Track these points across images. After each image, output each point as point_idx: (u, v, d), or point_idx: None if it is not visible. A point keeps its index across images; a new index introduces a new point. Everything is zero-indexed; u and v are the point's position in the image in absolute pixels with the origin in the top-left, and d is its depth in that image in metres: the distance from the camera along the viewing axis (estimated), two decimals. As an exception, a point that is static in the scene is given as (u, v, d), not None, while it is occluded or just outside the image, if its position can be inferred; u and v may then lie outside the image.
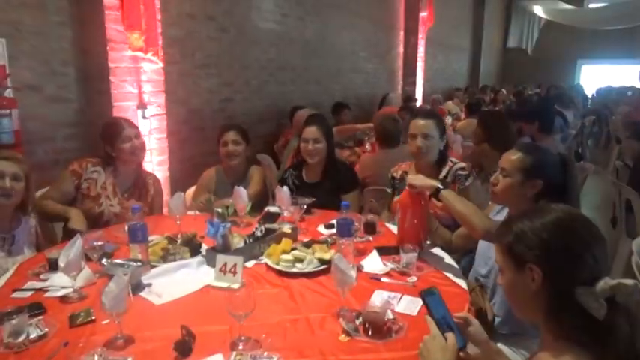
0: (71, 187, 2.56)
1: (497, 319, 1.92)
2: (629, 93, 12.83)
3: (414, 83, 9.43)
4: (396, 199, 2.66)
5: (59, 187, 2.57)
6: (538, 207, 1.17)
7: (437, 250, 2.21)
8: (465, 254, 2.47)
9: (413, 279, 1.87)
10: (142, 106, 3.61)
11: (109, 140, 2.61)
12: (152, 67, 3.65)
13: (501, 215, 2.11)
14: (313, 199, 2.67)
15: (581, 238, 1.06)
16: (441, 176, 2.61)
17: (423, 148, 2.56)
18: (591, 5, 16.70)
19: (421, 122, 2.59)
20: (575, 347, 1.01)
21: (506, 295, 1.18)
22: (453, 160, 2.73)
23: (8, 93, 2.82)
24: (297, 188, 2.91)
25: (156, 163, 3.77)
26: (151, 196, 2.80)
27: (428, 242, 2.24)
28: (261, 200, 2.92)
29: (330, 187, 2.92)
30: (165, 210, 3.07)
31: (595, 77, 17.30)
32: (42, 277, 1.87)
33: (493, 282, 2.03)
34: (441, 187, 2.06)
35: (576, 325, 1.02)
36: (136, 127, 2.74)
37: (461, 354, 1.24)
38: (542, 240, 1.08)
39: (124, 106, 3.46)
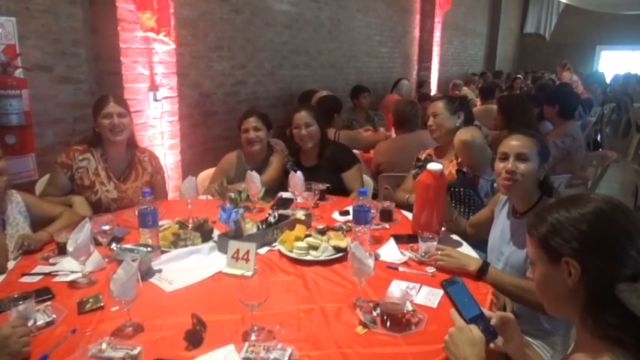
0: (65, 179, 2.45)
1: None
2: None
3: (428, 68, 9.22)
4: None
5: (53, 182, 2.47)
6: (576, 196, 1.07)
7: (455, 238, 2.14)
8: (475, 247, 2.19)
9: (431, 269, 1.81)
10: (154, 88, 3.54)
11: (94, 113, 2.51)
12: (164, 48, 3.57)
13: (507, 208, 2.01)
14: (328, 185, 2.61)
15: (624, 230, 0.98)
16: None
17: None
18: (612, -11, 16.24)
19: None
20: (616, 348, 0.93)
21: (538, 290, 1.10)
22: None
23: (18, 73, 2.77)
24: None
25: (167, 146, 3.71)
26: (149, 174, 2.66)
27: (443, 229, 2.16)
28: (275, 186, 2.86)
29: (328, 168, 2.88)
30: (169, 188, 2.99)
31: (614, 63, 16.87)
32: (51, 261, 1.84)
33: None
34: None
35: (617, 324, 0.94)
36: (125, 107, 2.55)
37: (491, 345, 1.17)
38: (581, 232, 0.99)
39: (135, 88, 3.40)
